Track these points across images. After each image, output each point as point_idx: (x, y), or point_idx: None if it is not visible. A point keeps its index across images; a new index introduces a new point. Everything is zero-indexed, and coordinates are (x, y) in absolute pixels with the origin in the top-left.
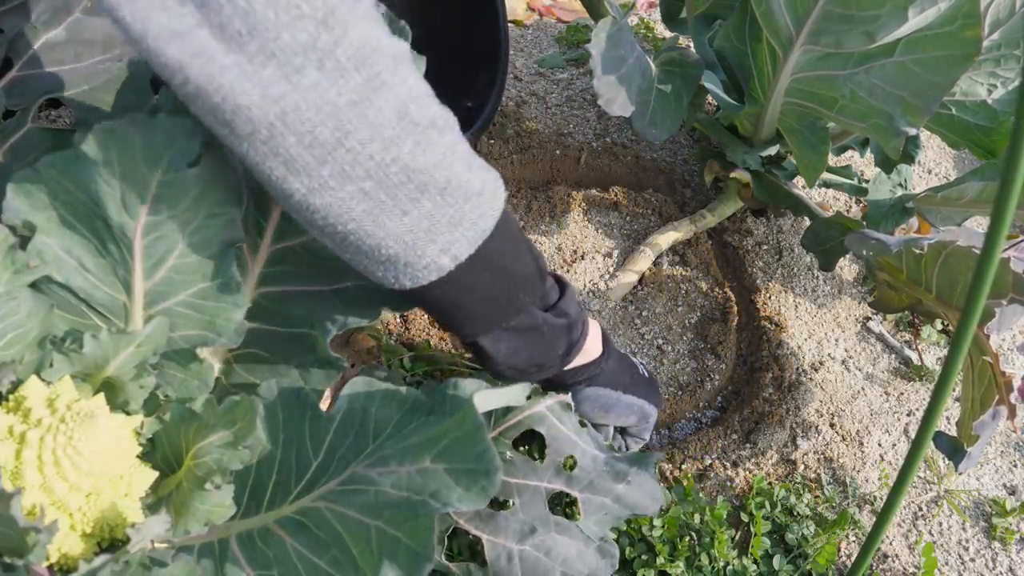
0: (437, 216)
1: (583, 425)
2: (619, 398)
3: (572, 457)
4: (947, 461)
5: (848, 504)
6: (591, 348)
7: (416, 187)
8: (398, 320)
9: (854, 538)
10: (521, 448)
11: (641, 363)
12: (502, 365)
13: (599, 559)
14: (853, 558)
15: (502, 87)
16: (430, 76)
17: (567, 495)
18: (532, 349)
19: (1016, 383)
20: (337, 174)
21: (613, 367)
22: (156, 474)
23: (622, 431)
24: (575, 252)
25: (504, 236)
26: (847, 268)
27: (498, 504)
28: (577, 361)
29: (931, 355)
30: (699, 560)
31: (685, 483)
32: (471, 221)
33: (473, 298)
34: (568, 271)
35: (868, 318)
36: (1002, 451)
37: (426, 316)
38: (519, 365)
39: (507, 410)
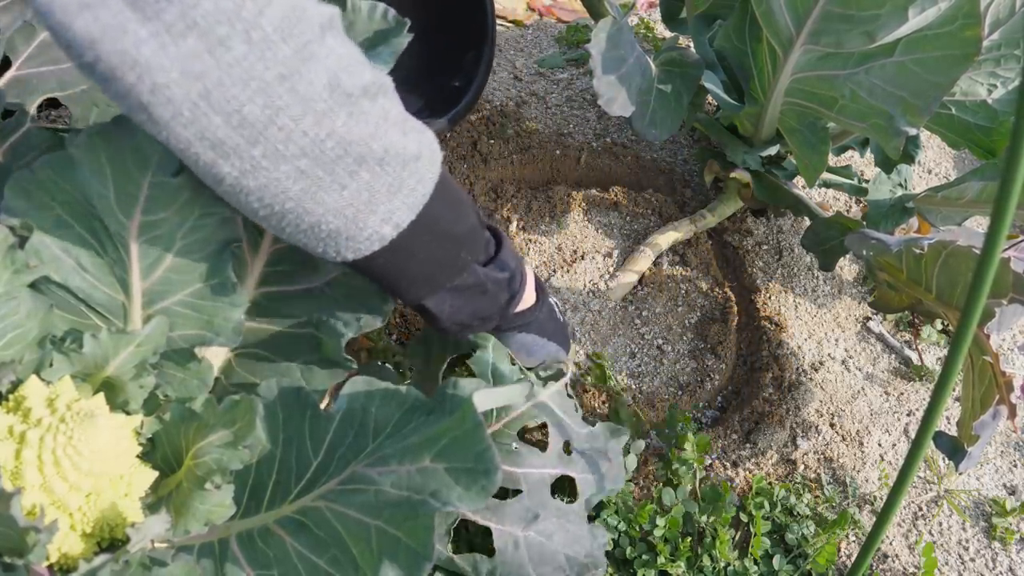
0: (376, 186)
1: (576, 410)
2: (544, 344)
3: (569, 441)
4: (947, 461)
5: (848, 504)
6: (527, 296)
7: (354, 160)
8: (398, 320)
9: (854, 538)
10: (526, 436)
11: (557, 304)
12: (447, 322)
13: (593, 541)
14: (853, 558)
15: (490, 63)
16: (424, 62)
17: (566, 477)
18: (476, 305)
19: (1016, 383)
20: (271, 154)
21: (545, 315)
22: (156, 474)
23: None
24: (575, 252)
25: (443, 197)
26: (847, 268)
27: (510, 492)
28: (515, 309)
29: (931, 355)
30: (700, 561)
31: (689, 487)
32: (410, 187)
33: (416, 262)
34: (568, 271)
35: (868, 318)
36: (1002, 451)
37: None
38: (463, 320)
39: None
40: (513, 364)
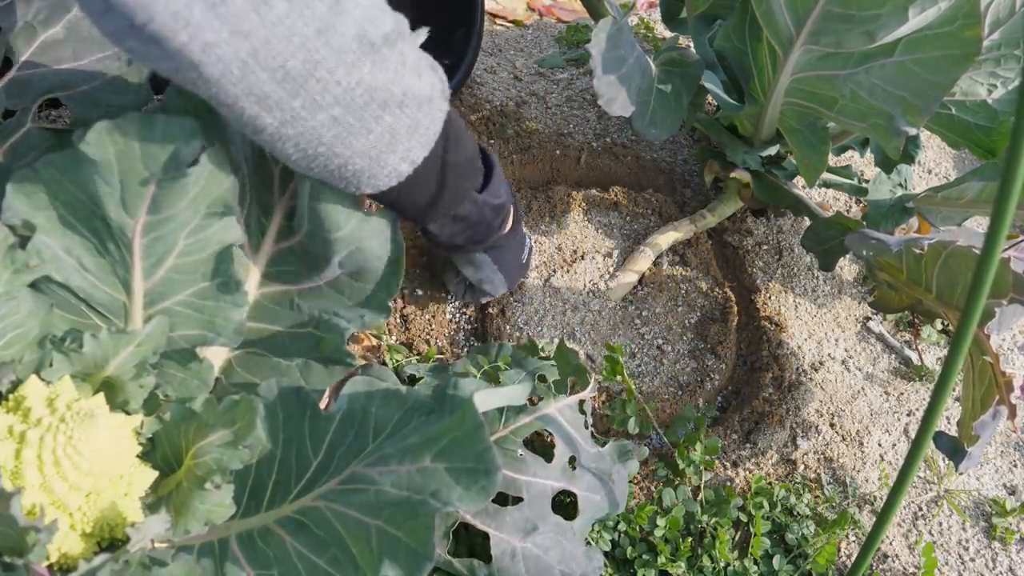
0: (397, 128)
1: (586, 427)
2: (494, 271)
3: (575, 458)
4: (947, 461)
5: (848, 504)
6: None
7: (379, 105)
8: (398, 321)
9: (854, 538)
10: (531, 445)
11: (529, 246)
12: (445, 243)
13: (589, 563)
14: (853, 558)
15: (479, 40)
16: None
17: (568, 493)
18: (472, 230)
19: (1016, 383)
20: (308, 104)
21: (512, 246)
22: (156, 474)
23: (469, 283)
24: (575, 252)
25: (449, 132)
26: (847, 268)
27: (511, 500)
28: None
29: (931, 355)
30: (700, 561)
31: (691, 488)
32: (425, 127)
33: (426, 192)
34: (568, 271)
35: (868, 318)
36: (1002, 451)
37: (426, 315)
38: (459, 242)
39: (519, 410)
40: (544, 383)
